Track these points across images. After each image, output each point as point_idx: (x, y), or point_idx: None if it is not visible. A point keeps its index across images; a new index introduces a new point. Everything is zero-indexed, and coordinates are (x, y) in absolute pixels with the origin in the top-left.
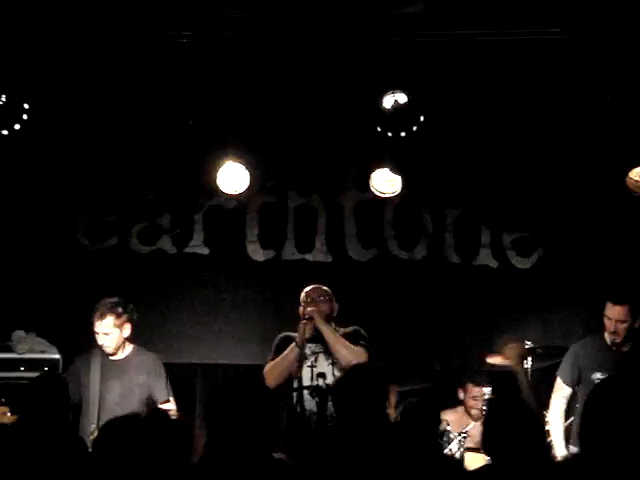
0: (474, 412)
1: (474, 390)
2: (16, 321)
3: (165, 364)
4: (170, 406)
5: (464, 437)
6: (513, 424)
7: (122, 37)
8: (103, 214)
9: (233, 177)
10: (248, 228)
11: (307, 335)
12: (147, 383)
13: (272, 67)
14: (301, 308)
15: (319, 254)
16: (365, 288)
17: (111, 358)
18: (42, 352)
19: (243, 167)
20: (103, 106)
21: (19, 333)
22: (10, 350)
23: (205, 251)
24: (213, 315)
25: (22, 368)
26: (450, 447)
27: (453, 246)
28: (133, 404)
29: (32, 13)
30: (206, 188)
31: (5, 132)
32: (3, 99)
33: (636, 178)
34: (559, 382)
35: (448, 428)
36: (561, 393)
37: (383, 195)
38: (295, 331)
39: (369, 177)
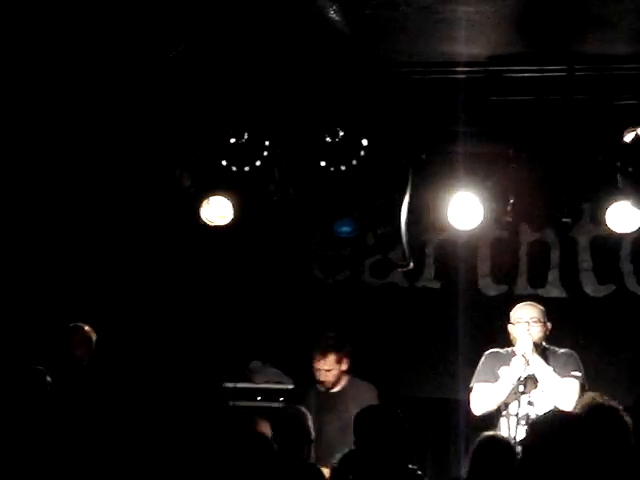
0: None
1: None
2: (253, 352)
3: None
4: None
5: None
6: None
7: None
8: (336, 247)
9: (465, 211)
10: (480, 262)
11: (523, 374)
12: None
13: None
14: (510, 326)
15: (553, 289)
16: (601, 324)
17: (328, 391)
18: (278, 382)
19: (477, 200)
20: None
21: (257, 364)
22: (249, 380)
23: (436, 285)
24: (443, 350)
25: (259, 398)
26: None
27: None
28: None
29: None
30: (437, 222)
31: (247, 168)
32: (246, 137)
33: None
34: None
35: None
36: None
37: (620, 231)
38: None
39: (605, 211)
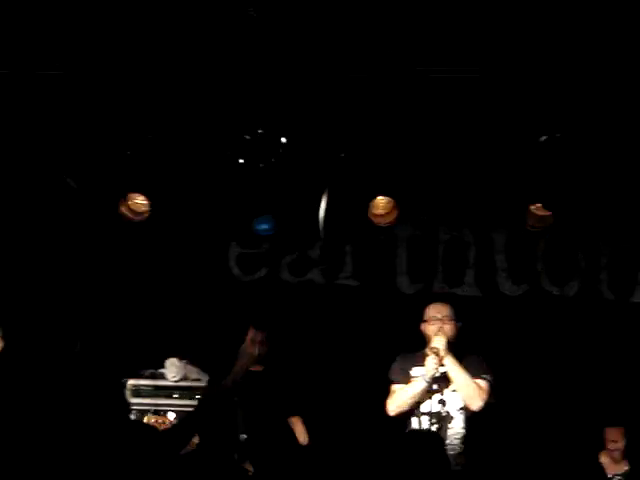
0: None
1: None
2: (170, 349)
3: None
4: None
5: None
6: None
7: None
8: (254, 245)
9: (384, 209)
10: (398, 260)
11: (436, 373)
12: None
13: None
14: (423, 325)
15: (469, 288)
16: (516, 324)
17: None
18: (195, 380)
19: (392, 200)
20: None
21: (173, 361)
22: (164, 377)
23: (355, 283)
24: (360, 347)
25: (175, 395)
26: None
27: (607, 282)
28: None
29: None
30: (356, 220)
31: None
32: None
33: None
34: None
35: None
36: None
37: (534, 230)
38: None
39: (521, 212)
